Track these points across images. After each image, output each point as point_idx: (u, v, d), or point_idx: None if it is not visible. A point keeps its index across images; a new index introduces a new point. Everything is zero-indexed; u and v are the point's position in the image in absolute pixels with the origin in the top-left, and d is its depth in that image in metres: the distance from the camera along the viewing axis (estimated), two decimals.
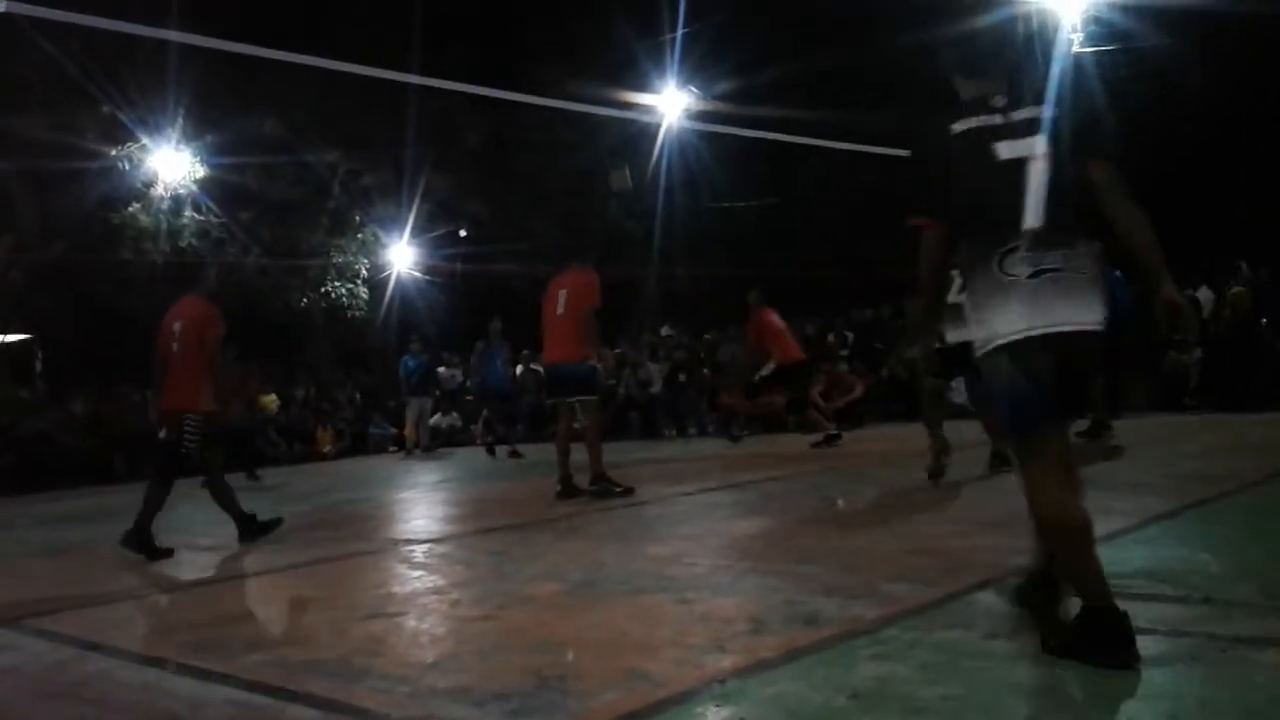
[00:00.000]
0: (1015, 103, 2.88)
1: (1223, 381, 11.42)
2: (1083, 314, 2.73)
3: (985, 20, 3.19)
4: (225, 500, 6.40)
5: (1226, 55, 14.47)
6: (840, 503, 6.50)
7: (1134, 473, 6.45)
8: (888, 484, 7.03)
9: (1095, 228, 2.78)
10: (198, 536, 7.62)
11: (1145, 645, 2.74)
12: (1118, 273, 11.48)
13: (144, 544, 6.08)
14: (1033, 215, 2.75)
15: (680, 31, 18.58)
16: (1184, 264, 11.44)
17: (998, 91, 2.93)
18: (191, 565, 6.15)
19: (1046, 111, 2.84)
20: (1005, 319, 2.77)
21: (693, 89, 18.40)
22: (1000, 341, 2.78)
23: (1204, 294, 12.42)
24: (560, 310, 7.54)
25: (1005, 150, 2.81)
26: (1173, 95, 15.05)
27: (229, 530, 6.61)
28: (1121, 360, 11.38)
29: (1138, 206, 2.81)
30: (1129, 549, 4.11)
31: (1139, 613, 3.12)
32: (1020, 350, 2.75)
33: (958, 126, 2.90)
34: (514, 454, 13.33)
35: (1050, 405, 2.79)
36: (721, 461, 9.92)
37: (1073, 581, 2.83)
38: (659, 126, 18.20)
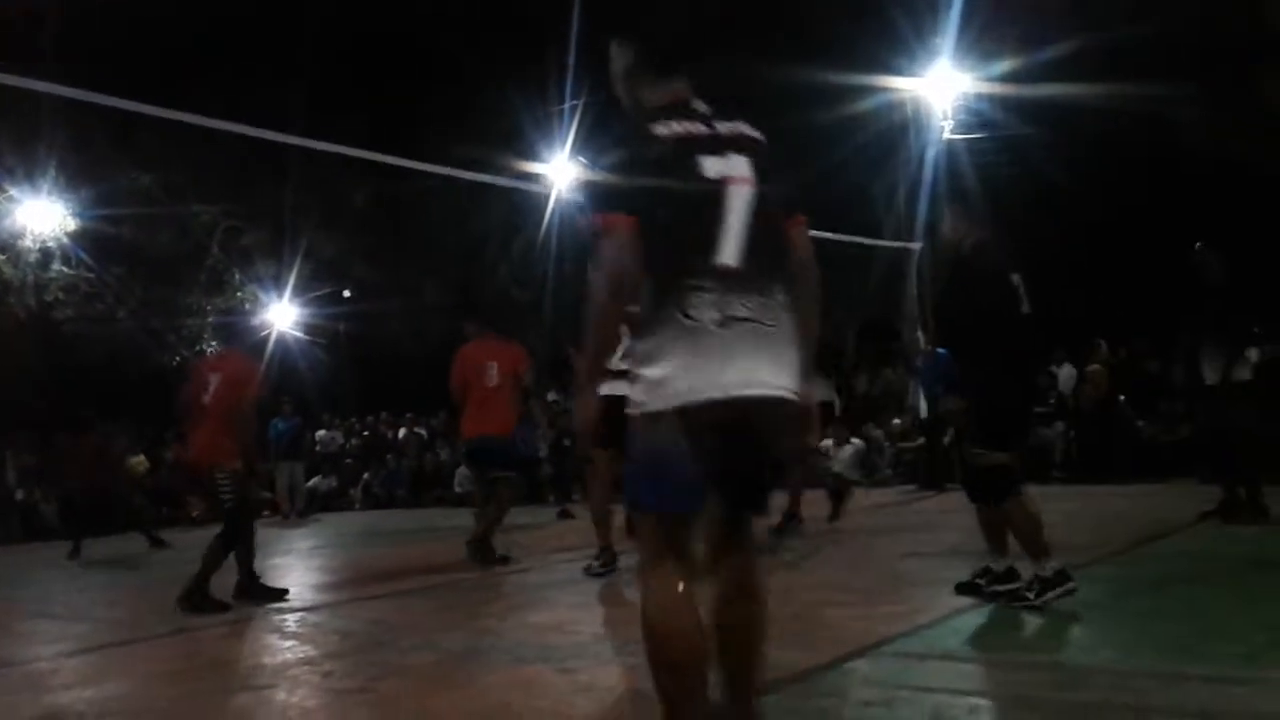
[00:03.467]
0: (718, 112, 2.45)
1: (1085, 454, 11.94)
2: (776, 376, 2.30)
3: (674, 10, 2.75)
4: (213, 561, 6.07)
5: (1089, 143, 15.34)
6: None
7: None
8: (770, 546, 7.10)
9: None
10: (54, 605, 7.26)
11: (1010, 713, 2.82)
12: (942, 350, 12.02)
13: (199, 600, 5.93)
14: (729, 249, 2.30)
15: (569, 104, 18.89)
16: (1049, 341, 12.06)
17: (694, 95, 2.50)
18: (47, 635, 5.83)
19: (751, 132, 2.44)
20: (684, 372, 2.26)
21: (581, 159, 18.64)
22: (673, 403, 2.26)
23: (1066, 371, 13.00)
24: (493, 382, 7.47)
25: (710, 166, 2.34)
26: (1037, 181, 15.86)
27: (89, 598, 6.30)
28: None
29: (819, 288, 2.50)
30: (998, 616, 4.24)
31: (1005, 681, 3.23)
32: (695, 415, 2.25)
33: (662, 130, 2.38)
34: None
35: (699, 485, 2.30)
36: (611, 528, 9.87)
37: (664, 706, 2.31)
38: (548, 194, 18.34)
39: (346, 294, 23.71)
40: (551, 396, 18.69)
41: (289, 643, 4.96)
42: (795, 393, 2.34)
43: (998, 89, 15.79)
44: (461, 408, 7.62)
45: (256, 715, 3.55)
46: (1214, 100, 13.90)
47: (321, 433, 19.20)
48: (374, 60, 21.60)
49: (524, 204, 19.96)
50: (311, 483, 17.01)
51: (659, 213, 2.31)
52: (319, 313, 22.67)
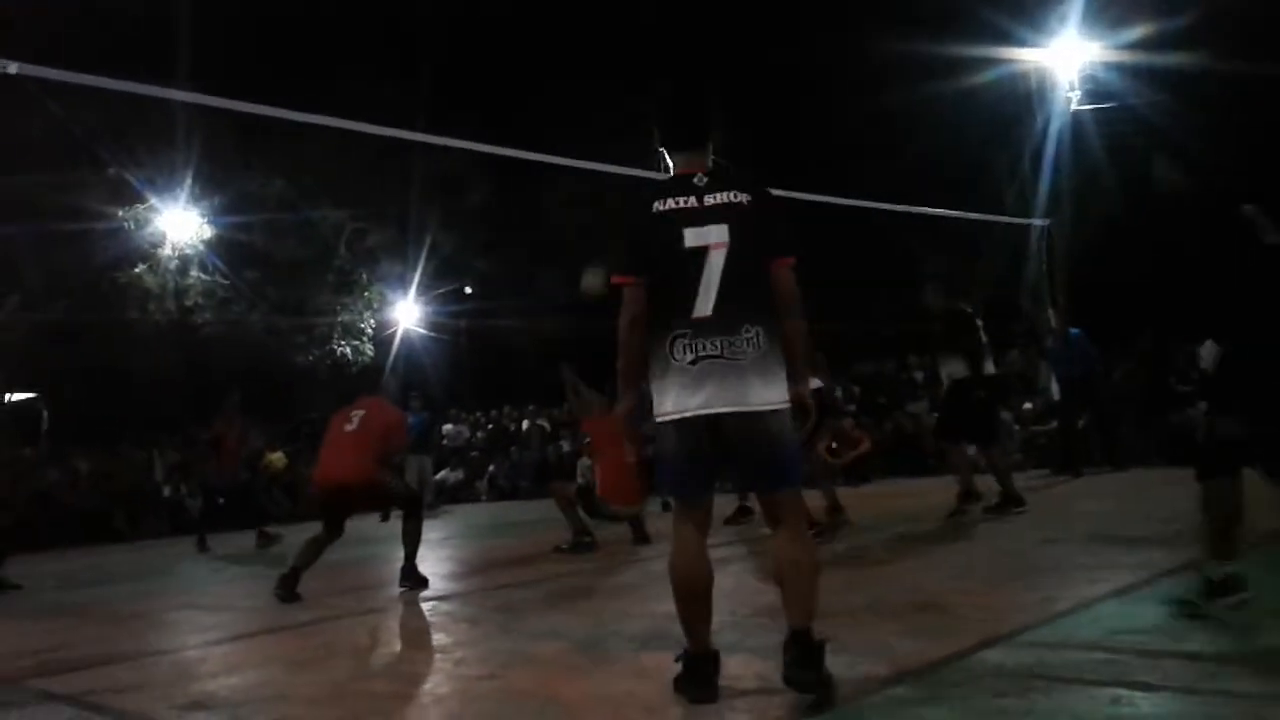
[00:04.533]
0: (713, 184, 3.10)
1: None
2: (736, 397, 2.98)
3: (691, 95, 3.31)
4: (414, 543, 6.51)
5: (1223, 111, 14.62)
6: (847, 555, 6.46)
7: (1140, 526, 6.40)
8: (894, 537, 6.98)
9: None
10: (198, 596, 7.59)
11: (1157, 703, 2.71)
12: (1075, 331, 11.54)
13: (416, 577, 6.41)
14: (703, 304, 3.02)
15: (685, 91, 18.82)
16: (1191, 318, 11.51)
17: (700, 169, 3.15)
18: (193, 625, 6.11)
19: (737, 198, 3.07)
20: (672, 398, 3.05)
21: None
22: (669, 417, 3.07)
23: (1208, 347, 12.40)
24: None
25: (691, 238, 3.04)
26: (1169, 152, 15.17)
27: (231, 589, 6.58)
28: (1103, 409, 11.35)
29: (802, 318, 3.16)
30: (1138, 604, 4.08)
31: (1147, 669, 3.10)
32: (682, 427, 3.05)
33: (657, 205, 3.11)
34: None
35: (700, 479, 3.15)
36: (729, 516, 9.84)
37: (683, 627, 3.20)
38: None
39: (468, 290, 24.16)
40: None
41: (421, 631, 5.09)
42: (768, 403, 3.01)
43: (1127, 57, 15.14)
44: None
45: (392, 701, 3.65)
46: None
47: (448, 427, 19.62)
48: (490, 55, 21.94)
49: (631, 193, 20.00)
50: (439, 476, 17.41)
51: (653, 275, 3.10)
52: (442, 309, 23.18)
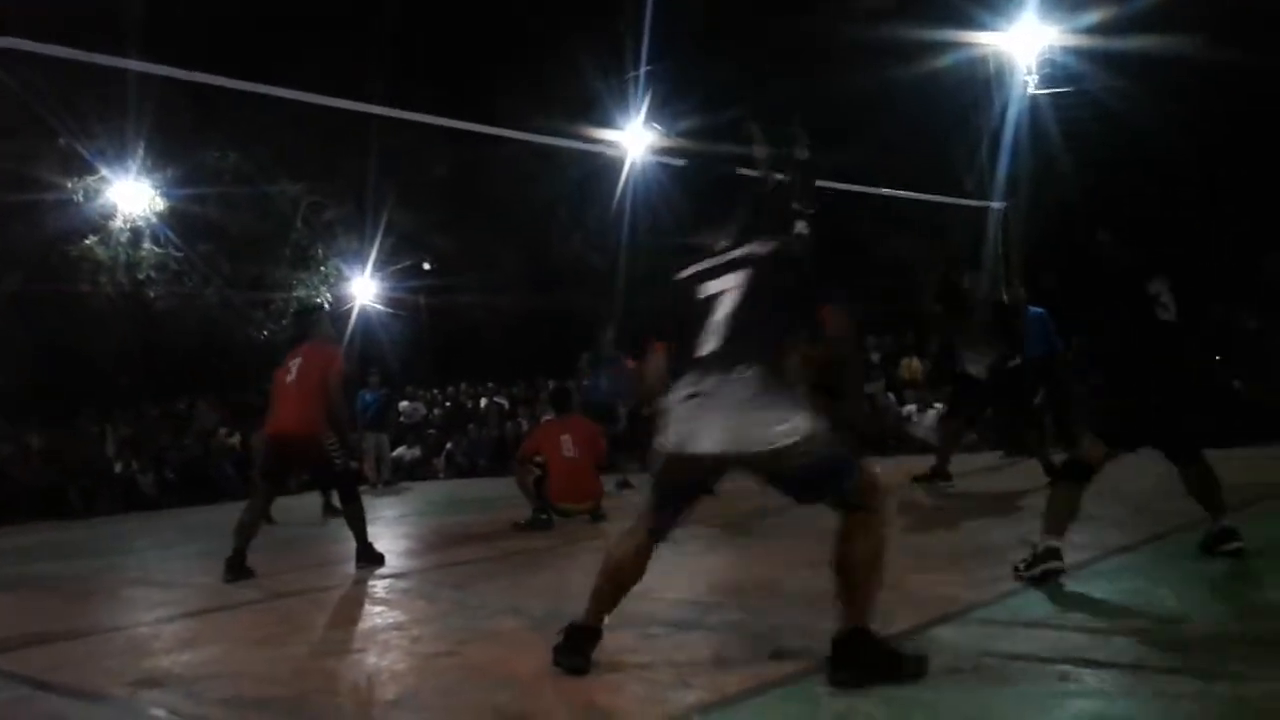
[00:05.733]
0: (739, 241, 3.30)
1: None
2: (715, 436, 3.10)
3: (722, 176, 3.52)
4: (360, 521, 6.44)
5: (1180, 96, 14.79)
6: (807, 534, 6.50)
7: (1094, 505, 6.49)
8: None
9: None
10: (152, 572, 7.52)
11: (1104, 680, 2.77)
12: (1037, 310, 11.69)
13: (371, 555, 6.35)
14: (706, 343, 3.19)
15: (644, 69, 18.79)
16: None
17: (725, 237, 3.34)
18: (146, 601, 6.06)
19: (751, 250, 3.25)
20: (665, 433, 3.23)
21: (655, 125, 18.53)
22: (661, 449, 3.25)
23: None
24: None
25: (707, 289, 3.25)
26: (1127, 136, 15.35)
27: (186, 565, 6.53)
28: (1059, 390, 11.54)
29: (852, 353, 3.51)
30: (1088, 582, 4.16)
31: (1096, 647, 3.16)
32: (666, 462, 3.25)
33: (682, 274, 3.35)
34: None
35: (672, 508, 3.37)
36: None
37: (590, 599, 3.41)
38: (622, 161, 18.29)
39: (426, 266, 23.98)
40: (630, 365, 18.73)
41: (378, 608, 5.08)
42: (733, 446, 3.11)
43: (1085, 42, 15.27)
44: None
45: (348, 678, 3.65)
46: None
47: (405, 404, 19.51)
48: (448, 30, 21.71)
49: (598, 170, 19.94)
50: (397, 453, 17.32)
51: (676, 328, 3.34)
52: (400, 285, 22.99)
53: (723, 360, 3.14)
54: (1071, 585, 4.14)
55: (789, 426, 3.05)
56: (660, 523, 3.37)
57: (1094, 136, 15.52)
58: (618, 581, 3.38)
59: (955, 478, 8.00)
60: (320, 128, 18.96)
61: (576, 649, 3.34)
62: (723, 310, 3.19)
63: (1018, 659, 3.11)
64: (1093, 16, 14.71)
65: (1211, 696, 2.67)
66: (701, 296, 3.25)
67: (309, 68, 16.70)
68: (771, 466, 3.12)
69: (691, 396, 3.15)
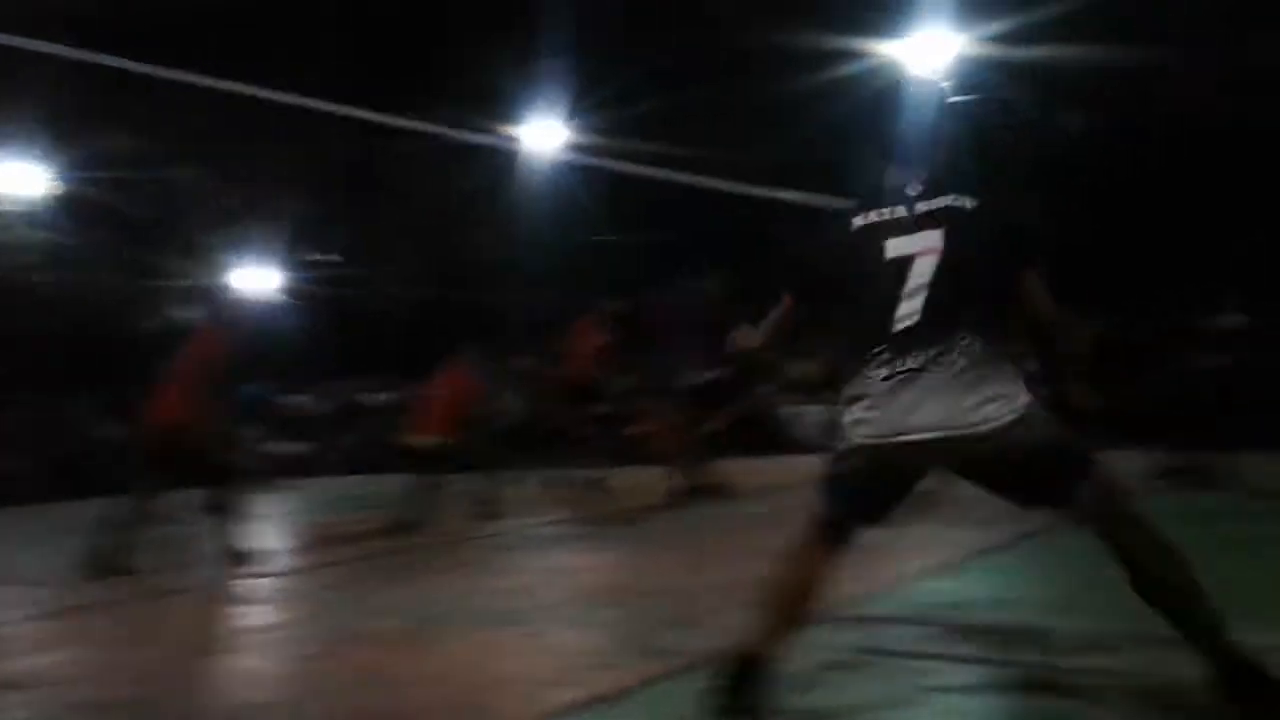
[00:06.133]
0: (928, 192, 2.77)
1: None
2: (925, 419, 2.57)
3: (917, 105, 3.11)
4: (236, 519, 6.21)
5: (1085, 105, 15.31)
6: (690, 533, 6.56)
7: (966, 504, 6.69)
8: (735, 517, 7.12)
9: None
10: (18, 570, 7.23)
11: (970, 675, 2.85)
12: None
13: (244, 555, 6.06)
14: (904, 316, 2.63)
15: (556, 65, 18.73)
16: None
17: (916, 180, 2.81)
18: (10, 600, 5.79)
19: (956, 203, 2.72)
20: (860, 422, 2.66)
21: (566, 121, 18.51)
22: (854, 442, 2.68)
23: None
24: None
25: (893, 248, 2.70)
26: (1034, 147, 15.78)
27: (54, 564, 6.28)
28: None
29: (1060, 317, 2.72)
30: (955, 580, 4.28)
31: (965, 643, 3.26)
32: (861, 455, 2.67)
33: (858, 220, 2.81)
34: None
35: (861, 509, 2.79)
36: (575, 493, 9.87)
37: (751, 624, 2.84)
38: (532, 157, 18.21)
39: (326, 257, 23.54)
40: (529, 361, 18.66)
41: (255, 608, 4.96)
42: (954, 428, 2.55)
43: (993, 50, 15.70)
44: None
45: (220, 679, 3.55)
46: (1205, 60, 13.85)
47: (295, 397, 19.11)
48: (357, 19, 21.34)
49: (506, 166, 19.81)
50: (281, 447, 16.93)
51: (849, 288, 2.78)
52: (298, 276, 22.52)
53: (929, 336, 2.58)
54: (940, 583, 4.25)
55: (1006, 403, 2.54)
56: (841, 531, 2.80)
57: (1000, 145, 15.95)
58: (790, 608, 2.84)
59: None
60: (220, 114, 18.47)
61: (742, 691, 2.69)
62: (922, 276, 2.63)
63: (889, 655, 3.18)
64: (1000, 25, 15.15)
65: (1072, 689, 2.77)
66: (887, 257, 2.69)
67: (211, 53, 16.25)
68: (986, 454, 2.56)
69: (890, 377, 2.59)
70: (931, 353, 2.57)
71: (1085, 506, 2.65)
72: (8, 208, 18.61)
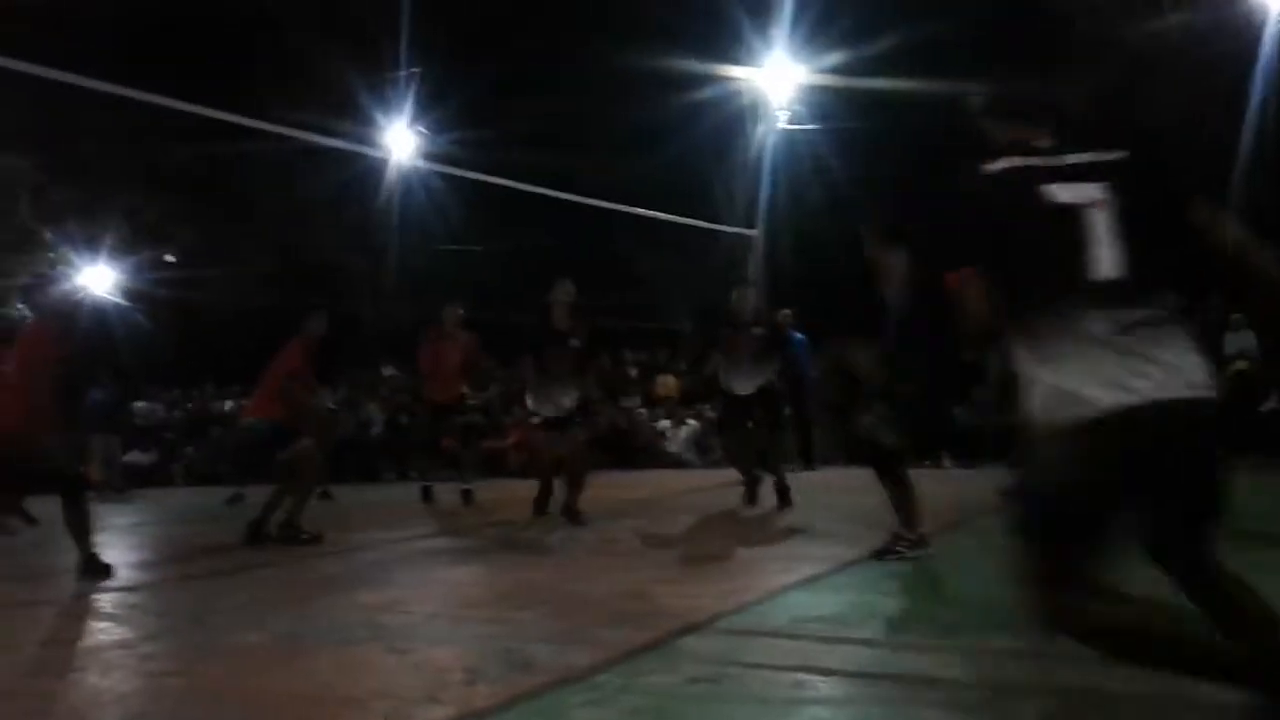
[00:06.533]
0: (1064, 146, 2.46)
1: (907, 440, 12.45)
2: (1195, 375, 2.17)
3: (1031, 60, 2.82)
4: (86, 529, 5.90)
5: (912, 136, 15.99)
6: (560, 547, 6.57)
7: (829, 521, 6.93)
8: (606, 531, 7.17)
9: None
10: None
11: (834, 686, 2.95)
12: (801, 336, 12.40)
13: (97, 567, 5.86)
14: (1107, 266, 2.26)
15: (408, 71, 18.55)
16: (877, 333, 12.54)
17: (1042, 135, 2.51)
18: None
19: (1108, 155, 2.40)
20: (1099, 382, 2.15)
21: (421, 129, 18.33)
22: (1100, 411, 2.12)
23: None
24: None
25: (1061, 193, 2.33)
26: (867, 173, 16.44)
27: None
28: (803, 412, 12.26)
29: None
30: (822, 593, 4.42)
31: (828, 655, 3.38)
32: (1125, 424, 2.11)
33: (993, 166, 2.43)
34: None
35: (1132, 504, 2.21)
36: (442, 506, 9.78)
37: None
38: (385, 163, 17.96)
39: (169, 259, 22.62)
40: (387, 371, 18.36)
41: (103, 624, 4.73)
42: (1209, 386, 2.19)
43: (830, 81, 16.29)
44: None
45: (67, 700, 3.38)
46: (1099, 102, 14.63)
47: (141, 404, 18.30)
48: (198, 13, 20.62)
49: (360, 171, 19.46)
50: (129, 457, 16.20)
51: (1016, 243, 2.34)
52: (139, 277, 21.55)
53: (1142, 286, 2.24)
54: (806, 596, 4.38)
55: (1210, 376, 2.19)
56: (1093, 572, 2.12)
57: (838, 171, 16.54)
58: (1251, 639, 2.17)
59: (699, 493, 8.27)
60: (53, 103, 17.56)
61: None
62: (1099, 227, 2.28)
63: (757, 667, 3.26)
64: (837, 57, 15.74)
65: (928, 701, 2.90)
66: (1054, 202, 2.32)
67: (48, 38, 15.45)
68: (1208, 429, 2.17)
69: (1130, 329, 2.18)
70: (1144, 306, 2.23)
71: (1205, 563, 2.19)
72: None
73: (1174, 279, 2.30)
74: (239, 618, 4.60)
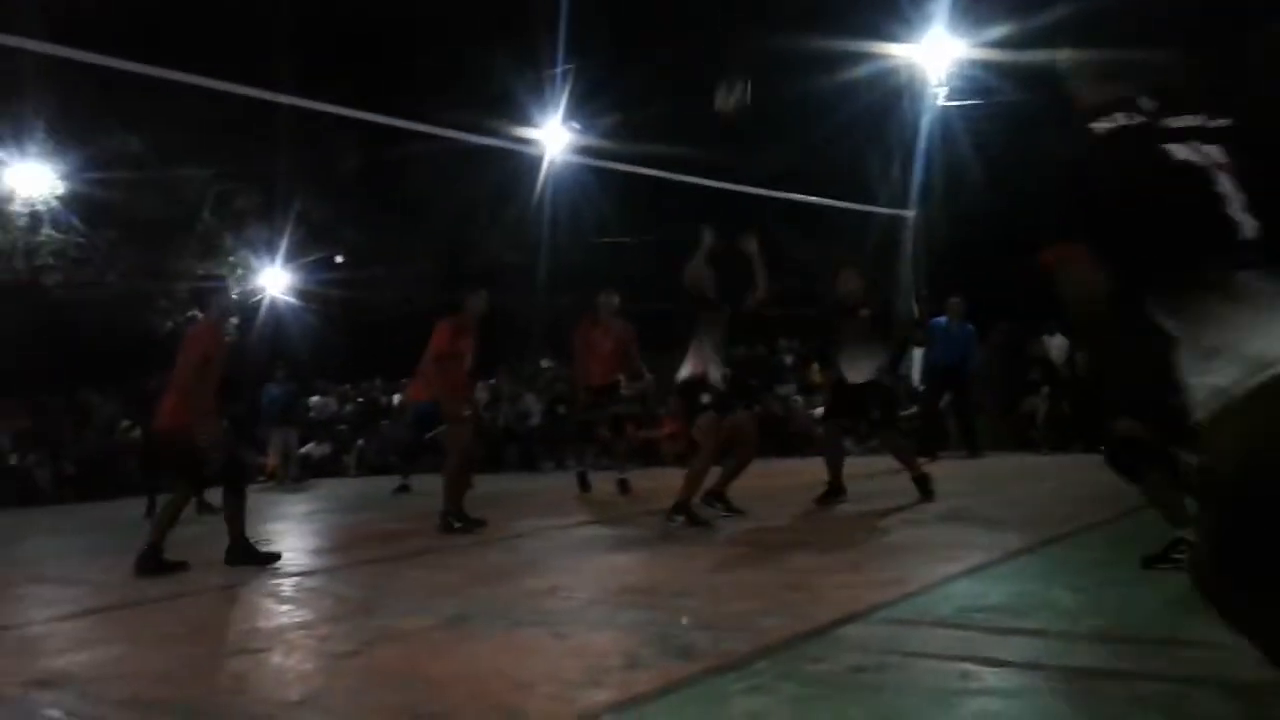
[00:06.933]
0: (1170, 106, 2.25)
1: (1076, 425, 11.96)
2: None
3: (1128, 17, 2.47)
4: (240, 520, 6.27)
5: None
6: (717, 535, 6.57)
7: (994, 509, 6.70)
8: (764, 519, 7.13)
9: None
10: (47, 569, 7.28)
11: (1003, 677, 2.85)
12: (970, 326, 11.97)
13: (253, 555, 6.17)
14: (1248, 227, 2.06)
15: (562, 68, 18.80)
16: (1043, 313, 12.09)
17: (1140, 94, 2.30)
18: (40, 599, 5.85)
19: (1218, 121, 2.20)
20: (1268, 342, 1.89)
21: (574, 124, 18.56)
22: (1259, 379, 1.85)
23: (1058, 340, 13.03)
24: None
25: (1181, 152, 2.15)
26: (1031, 148, 15.82)
27: (83, 563, 6.32)
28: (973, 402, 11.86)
29: None
30: (988, 583, 4.28)
31: (997, 646, 3.27)
32: None
33: (1102, 125, 2.26)
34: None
35: None
36: (599, 495, 9.91)
37: None
38: (540, 160, 18.27)
39: (339, 259, 23.61)
40: (545, 363, 18.70)
41: (284, 607, 4.99)
42: None
43: (992, 55, 15.70)
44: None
45: (251, 679, 3.57)
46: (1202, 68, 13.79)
47: (315, 398, 19.18)
48: (365, 21, 21.41)
49: (517, 169, 19.86)
50: (305, 449, 17.02)
51: (1142, 203, 2.14)
52: (311, 277, 22.58)
53: (1272, 253, 2.01)
54: (973, 586, 4.25)
55: None
56: None
57: (1002, 147, 15.96)
58: None
59: (853, 480, 7.95)
60: (231, 115, 18.56)
61: None
62: (1230, 187, 2.09)
63: (922, 657, 3.18)
64: (1000, 30, 15.14)
65: (1104, 693, 2.77)
66: (1177, 159, 2.13)
67: (222, 53, 16.32)
68: None
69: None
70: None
71: None
72: (17, 209, 18.69)
73: None
74: (409, 602, 4.77)
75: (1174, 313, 2.08)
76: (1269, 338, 1.87)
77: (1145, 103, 2.25)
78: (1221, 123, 2.17)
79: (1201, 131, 2.15)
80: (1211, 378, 1.93)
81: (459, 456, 7.48)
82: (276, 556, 6.30)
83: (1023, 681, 2.92)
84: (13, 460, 15.86)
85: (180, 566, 6.11)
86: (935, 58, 16.33)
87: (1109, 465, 4.11)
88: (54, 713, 3.27)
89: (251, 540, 6.32)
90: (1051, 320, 13.07)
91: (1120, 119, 2.22)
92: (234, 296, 7.11)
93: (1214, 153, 2.11)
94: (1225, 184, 2.07)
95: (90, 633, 4.68)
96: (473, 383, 8.01)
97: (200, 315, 6.56)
